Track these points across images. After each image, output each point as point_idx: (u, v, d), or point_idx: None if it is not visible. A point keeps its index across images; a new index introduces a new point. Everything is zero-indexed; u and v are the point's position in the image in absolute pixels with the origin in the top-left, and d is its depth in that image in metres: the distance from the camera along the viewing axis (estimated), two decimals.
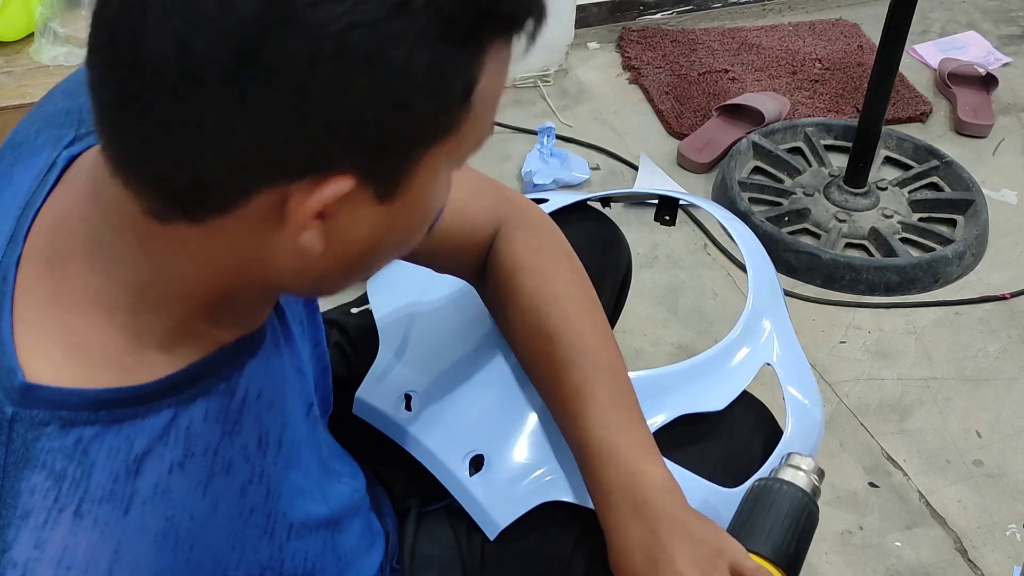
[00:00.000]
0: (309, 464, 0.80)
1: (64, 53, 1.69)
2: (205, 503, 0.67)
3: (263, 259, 0.64)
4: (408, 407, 1.07)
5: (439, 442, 1.04)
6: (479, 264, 1.04)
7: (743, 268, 2.16)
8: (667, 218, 1.39)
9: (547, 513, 0.98)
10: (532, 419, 1.03)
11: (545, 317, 0.97)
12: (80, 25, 1.70)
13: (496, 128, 2.48)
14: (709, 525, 0.88)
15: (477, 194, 1.02)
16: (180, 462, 0.65)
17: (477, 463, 1.03)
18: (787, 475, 0.93)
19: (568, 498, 0.98)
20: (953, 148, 2.49)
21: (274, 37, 0.54)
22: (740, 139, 2.42)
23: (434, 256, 1.02)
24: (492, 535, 0.98)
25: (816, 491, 0.93)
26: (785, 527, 0.89)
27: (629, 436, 0.92)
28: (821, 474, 0.94)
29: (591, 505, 0.93)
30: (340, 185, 0.59)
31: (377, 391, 1.08)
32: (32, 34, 1.71)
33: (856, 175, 2.27)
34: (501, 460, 1.01)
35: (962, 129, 2.57)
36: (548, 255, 1.02)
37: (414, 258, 1.02)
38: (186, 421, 0.66)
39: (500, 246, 1.02)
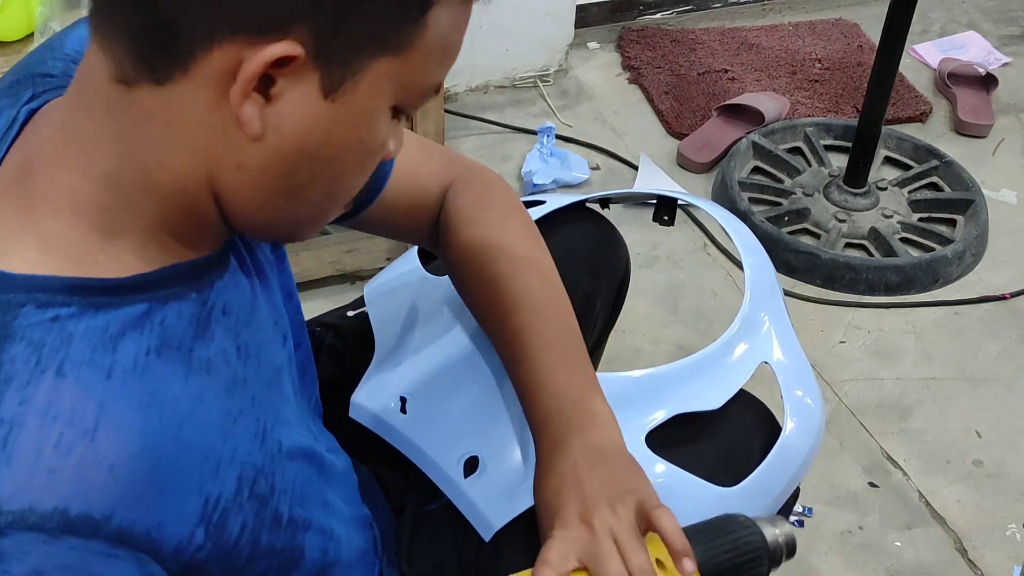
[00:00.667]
0: (289, 395, 0.82)
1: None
2: (188, 389, 0.68)
3: (210, 143, 0.66)
4: (403, 410, 1.07)
5: (433, 444, 1.04)
6: (433, 225, 1.05)
7: (743, 268, 2.16)
8: (666, 218, 1.39)
9: None
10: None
11: (491, 263, 0.98)
12: None
13: (496, 128, 2.49)
14: (633, 467, 0.88)
15: (427, 156, 1.04)
16: (157, 348, 0.67)
17: (472, 465, 1.03)
18: (761, 522, 0.88)
19: None
20: (953, 148, 2.49)
21: None
22: (740, 139, 2.42)
23: (389, 220, 1.02)
24: (487, 536, 0.98)
25: (777, 552, 0.86)
26: (728, 553, 0.85)
27: (570, 374, 0.93)
28: (792, 546, 0.88)
29: None
30: (289, 47, 0.62)
31: (372, 394, 1.09)
32: (32, 34, 1.70)
33: (856, 175, 2.27)
34: (496, 462, 1.01)
35: (962, 129, 2.57)
36: (497, 209, 1.03)
37: (371, 226, 1.03)
38: (160, 316, 0.68)
39: (449, 202, 1.03)
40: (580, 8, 2.68)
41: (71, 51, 0.78)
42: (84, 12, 1.80)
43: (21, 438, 0.60)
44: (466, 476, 1.01)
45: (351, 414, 1.08)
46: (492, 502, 0.99)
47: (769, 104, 2.50)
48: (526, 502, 0.97)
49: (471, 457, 1.03)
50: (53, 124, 0.70)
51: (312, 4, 0.61)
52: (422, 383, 1.08)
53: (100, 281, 0.66)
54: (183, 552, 0.67)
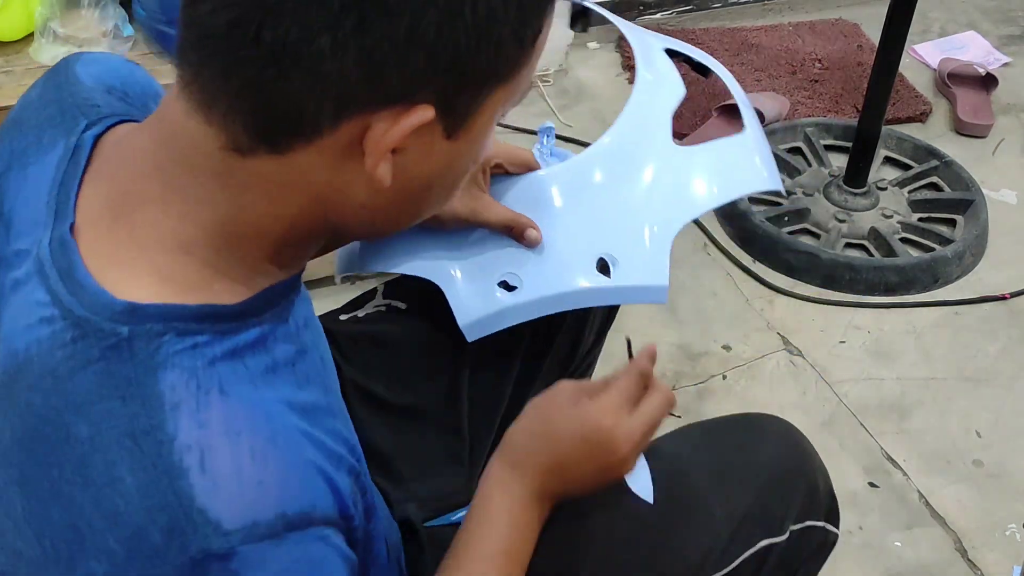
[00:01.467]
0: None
1: (63, 53, 1.69)
2: (305, 397, 0.72)
3: (332, 194, 0.69)
4: (509, 288, 1.08)
5: (558, 271, 1.07)
6: None
7: (744, 268, 2.16)
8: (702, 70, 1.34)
9: (556, 533, 0.98)
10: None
11: None
12: (79, 25, 1.70)
13: (496, 128, 2.48)
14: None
15: None
16: (273, 367, 0.71)
17: (603, 267, 1.07)
18: None
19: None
20: (953, 148, 2.49)
21: None
22: None
23: None
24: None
25: None
26: None
27: None
28: None
29: None
30: (423, 114, 0.65)
31: (472, 306, 1.08)
32: (32, 34, 1.71)
33: (856, 175, 2.27)
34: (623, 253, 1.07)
35: (962, 129, 2.58)
36: None
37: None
38: (271, 337, 0.72)
39: None
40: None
41: (93, 82, 0.80)
42: (83, 12, 1.78)
43: (217, 459, 0.63)
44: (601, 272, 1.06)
45: (470, 339, 1.09)
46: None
47: (769, 104, 2.50)
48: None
49: (601, 259, 1.07)
50: (142, 164, 0.70)
51: (438, 70, 0.64)
52: (496, 264, 1.09)
53: (223, 308, 0.69)
54: (355, 523, 0.72)
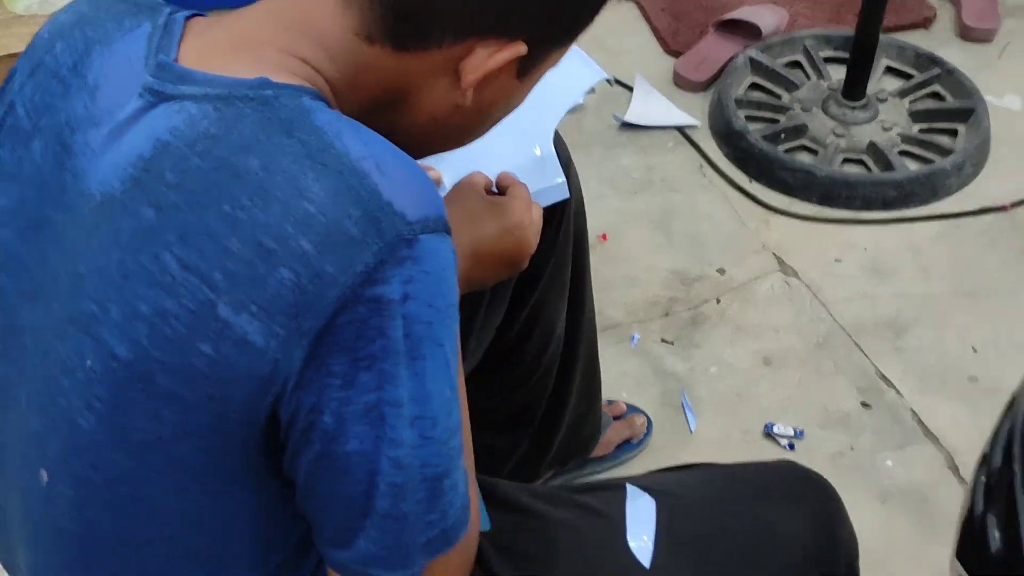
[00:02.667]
0: None
1: (38, 2, 1.68)
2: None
3: (417, 97, 0.82)
4: None
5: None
6: None
7: (739, 188, 2.14)
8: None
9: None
10: None
11: None
12: None
13: None
14: None
15: None
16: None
17: None
18: None
19: None
20: (957, 55, 2.43)
21: None
22: (737, 55, 2.38)
23: None
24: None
25: None
26: None
27: None
28: None
29: None
30: (517, 50, 0.78)
31: None
32: None
33: (853, 87, 2.23)
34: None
35: (967, 34, 2.51)
36: None
37: None
38: None
39: None
40: None
41: None
42: None
43: (389, 165, 0.73)
44: None
45: None
46: None
47: (767, 17, 2.45)
48: None
49: None
50: (263, 22, 0.80)
51: (544, 17, 0.79)
52: None
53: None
54: None
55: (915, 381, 1.82)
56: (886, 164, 2.14)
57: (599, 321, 1.88)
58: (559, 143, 1.28)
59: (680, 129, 2.28)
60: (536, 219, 1.07)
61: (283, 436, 0.76)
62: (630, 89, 2.37)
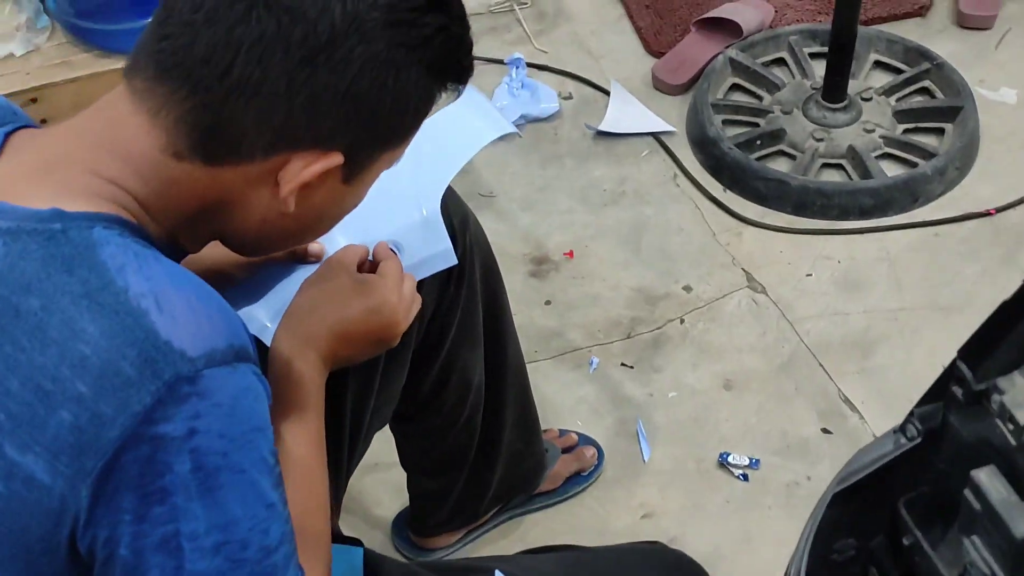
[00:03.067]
0: None
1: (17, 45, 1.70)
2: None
3: (239, 206, 0.84)
4: None
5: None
6: None
7: (712, 199, 2.09)
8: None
9: None
10: None
11: None
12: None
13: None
14: None
15: None
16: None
17: None
18: None
19: None
20: (952, 45, 2.34)
21: (350, 43, 0.78)
22: (717, 55, 2.31)
23: None
24: None
25: None
26: None
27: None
28: None
29: None
30: (334, 160, 0.82)
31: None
32: None
33: (833, 89, 2.15)
34: None
35: (964, 22, 2.42)
36: None
37: None
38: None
39: None
40: None
41: None
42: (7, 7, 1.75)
43: (170, 301, 0.75)
44: None
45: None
46: None
47: (749, 14, 2.37)
48: None
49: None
50: (73, 141, 0.81)
51: (359, 124, 0.82)
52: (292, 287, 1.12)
53: (133, 223, 0.81)
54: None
55: (880, 405, 1.77)
56: (864, 171, 2.07)
57: (558, 344, 1.87)
58: (453, 201, 1.25)
59: (656, 136, 2.23)
60: (407, 295, 1.07)
61: (88, 564, 0.77)
62: (608, 94, 2.32)
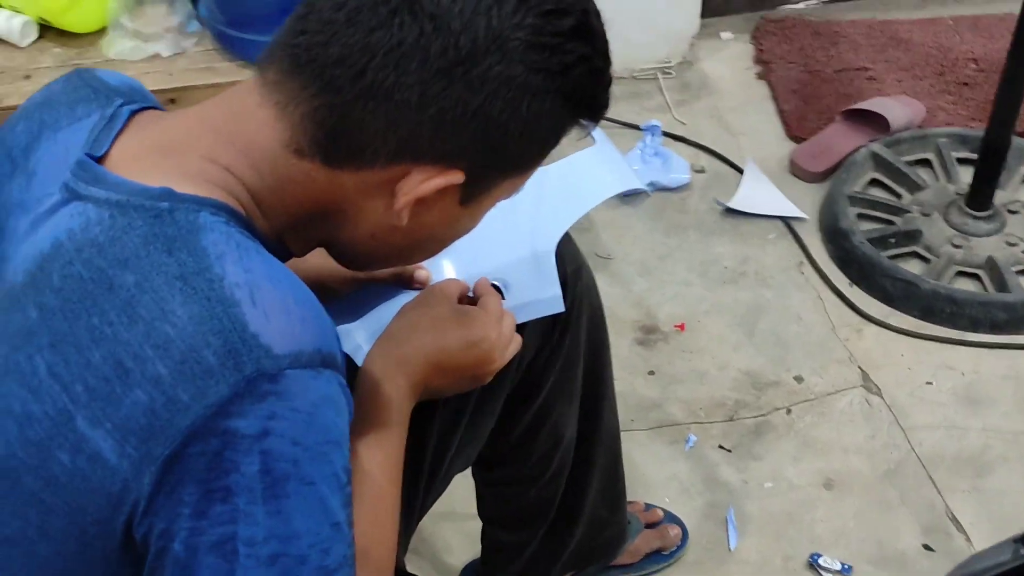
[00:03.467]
0: None
1: (132, 47, 1.73)
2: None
3: (353, 214, 0.82)
4: None
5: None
6: None
7: (837, 292, 2.02)
8: None
9: None
10: None
11: None
12: (147, 20, 1.74)
13: (604, 123, 2.40)
14: None
15: None
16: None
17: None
18: None
19: None
20: None
21: (490, 60, 0.76)
22: (860, 148, 2.25)
23: None
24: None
25: None
26: None
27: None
28: None
29: None
30: (454, 178, 0.80)
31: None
32: (104, 28, 1.76)
33: (978, 195, 2.07)
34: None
35: None
36: None
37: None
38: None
39: None
40: None
41: (118, 83, 0.90)
42: (152, 7, 1.82)
43: (265, 296, 0.73)
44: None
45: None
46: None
47: (898, 111, 2.31)
48: None
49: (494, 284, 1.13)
50: (196, 126, 0.81)
51: (484, 145, 0.79)
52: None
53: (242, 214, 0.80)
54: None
55: (989, 528, 1.66)
56: (1002, 283, 1.98)
57: (656, 416, 1.81)
58: (570, 250, 1.22)
59: (786, 220, 2.17)
60: (506, 333, 1.04)
61: (142, 554, 0.74)
62: (741, 171, 2.27)
